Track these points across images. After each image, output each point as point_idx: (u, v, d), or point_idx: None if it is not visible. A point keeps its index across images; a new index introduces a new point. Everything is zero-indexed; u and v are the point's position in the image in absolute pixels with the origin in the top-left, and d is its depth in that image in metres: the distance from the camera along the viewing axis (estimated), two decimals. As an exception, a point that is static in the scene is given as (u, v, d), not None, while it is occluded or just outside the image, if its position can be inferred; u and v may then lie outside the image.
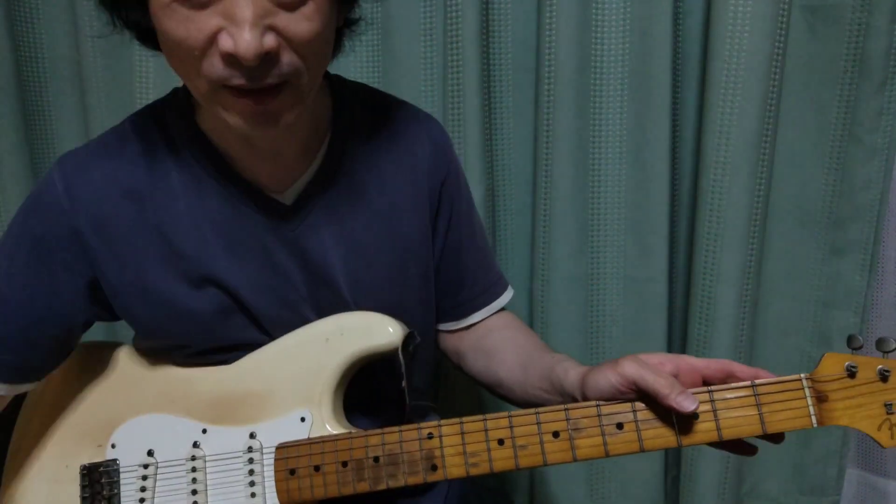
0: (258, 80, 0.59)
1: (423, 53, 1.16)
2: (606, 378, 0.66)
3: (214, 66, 0.59)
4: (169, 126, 0.73)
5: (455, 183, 0.84)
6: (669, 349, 1.25)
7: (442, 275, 0.85)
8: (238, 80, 0.59)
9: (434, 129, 0.83)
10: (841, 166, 1.17)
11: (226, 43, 0.57)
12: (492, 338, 0.86)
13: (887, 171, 1.15)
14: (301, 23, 0.59)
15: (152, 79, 1.18)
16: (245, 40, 0.56)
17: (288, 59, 0.60)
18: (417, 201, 0.80)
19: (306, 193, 0.74)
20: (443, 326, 0.89)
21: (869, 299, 1.20)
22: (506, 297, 0.90)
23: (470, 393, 1.28)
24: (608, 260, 1.22)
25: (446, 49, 1.14)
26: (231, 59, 0.57)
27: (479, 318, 0.88)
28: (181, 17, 0.57)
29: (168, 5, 0.58)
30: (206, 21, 0.57)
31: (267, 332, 0.76)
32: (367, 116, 0.79)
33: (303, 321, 0.75)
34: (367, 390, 0.78)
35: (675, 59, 1.14)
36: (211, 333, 0.75)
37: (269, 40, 0.57)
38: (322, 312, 0.76)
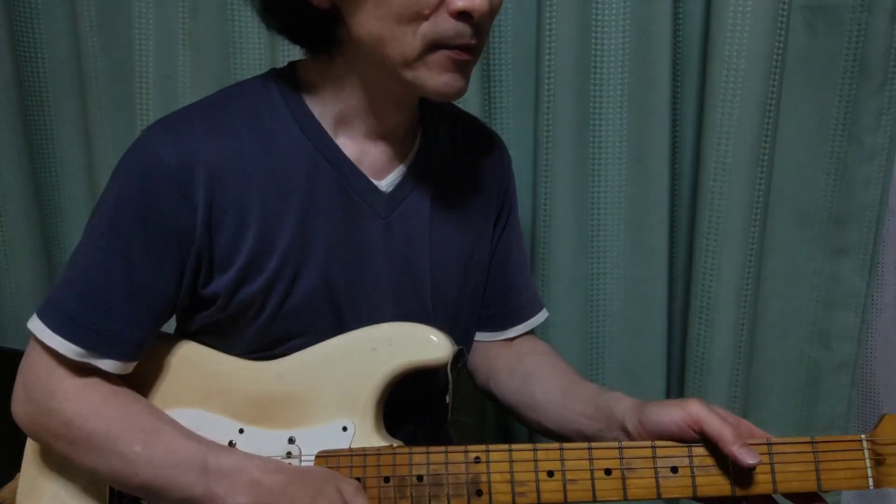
0: (479, 36, 0.65)
1: (423, 53, 1.16)
2: (670, 414, 0.66)
3: (441, 25, 0.63)
4: (277, 103, 0.72)
5: (513, 195, 0.90)
6: (669, 349, 1.24)
7: (491, 281, 0.87)
8: (465, 39, 0.64)
9: (502, 144, 0.90)
10: (841, 166, 1.16)
11: (461, 1, 0.62)
12: (531, 360, 0.87)
13: (887, 171, 1.15)
14: None
15: (152, 79, 1.18)
16: None
17: (489, 20, 0.66)
18: (486, 205, 0.85)
19: (402, 183, 0.76)
20: (480, 336, 0.90)
21: (869, 299, 1.20)
22: (542, 316, 0.92)
23: (474, 403, 1.28)
24: (608, 260, 1.22)
25: (446, 49, 1.14)
26: (463, 16, 0.63)
27: (517, 334, 0.89)
28: None
29: None
30: None
31: (344, 325, 0.75)
32: (450, 121, 0.83)
33: (380, 313, 0.75)
34: (405, 397, 0.77)
35: (675, 60, 1.14)
36: (296, 322, 0.74)
37: None
38: (400, 303, 0.76)
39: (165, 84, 1.17)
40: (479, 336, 0.90)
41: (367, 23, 0.65)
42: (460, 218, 0.81)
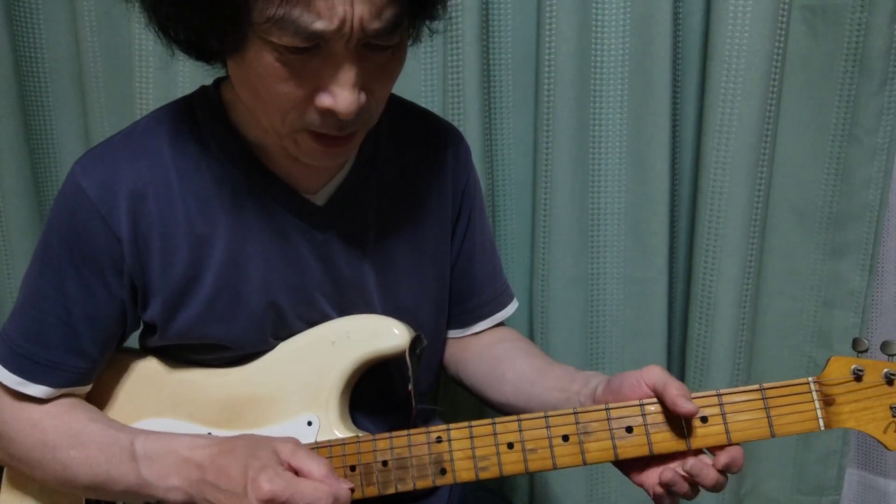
0: (346, 129, 0.63)
1: (423, 53, 1.16)
2: (629, 377, 0.67)
3: (307, 118, 0.62)
4: (200, 125, 0.72)
5: (473, 192, 0.87)
6: (669, 349, 1.25)
7: (453, 281, 0.86)
8: (330, 131, 0.63)
9: (458, 139, 0.86)
10: (841, 166, 1.16)
11: (327, 100, 0.60)
12: (502, 346, 0.87)
13: (887, 171, 1.15)
14: (387, 80, 0.64)
15: (152, 79, 1.18)
16: (347, 101, 0.59)
17: (370, 108, 0.63)
18: (441, 207, 0.82)
19: (338, 195, 0.75)
20: (447, 333, 0.89)
21: (869, 299, 1.20)
22: (511, 308, 0.91)
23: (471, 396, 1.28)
24: (608, 260, 1.22)
25: (446, 49, 1.14)
26: (329, 113, 0.61)
27: (484, 328, 0.89)
28: (283, 75, 0.59)
29: (271, 65, 0.58)
30: (308, 81, 0.60)
31: (290, 334, 0.76)
32: (395, 122, 0.80)
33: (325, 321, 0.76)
34: (373, 393, 0.78)
35: (675, 59, 1.14)
36: (243, 337, 0.75)
37: (363, 98, 0.61)
38: (344, 314, 0.76)
39: (165, 84, 1.17)
40: (447, 333, 0.89)
41: (240, 91, 0.65)
42: (410, 221, 0.80)
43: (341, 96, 0.59)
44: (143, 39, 1.16)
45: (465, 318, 0.88)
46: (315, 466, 0.63)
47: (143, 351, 0.80)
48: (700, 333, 1.17)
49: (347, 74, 0.59)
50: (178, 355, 0.78)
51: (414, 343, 0.72)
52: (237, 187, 0.72)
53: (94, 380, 0.76)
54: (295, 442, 0.66)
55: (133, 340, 0.82)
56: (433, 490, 0.87)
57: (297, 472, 0.63)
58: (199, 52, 0.65)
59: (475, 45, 1.12)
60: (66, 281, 0.71)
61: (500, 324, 0.91)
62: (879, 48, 1.09)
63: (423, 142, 0.82)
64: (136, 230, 0.70)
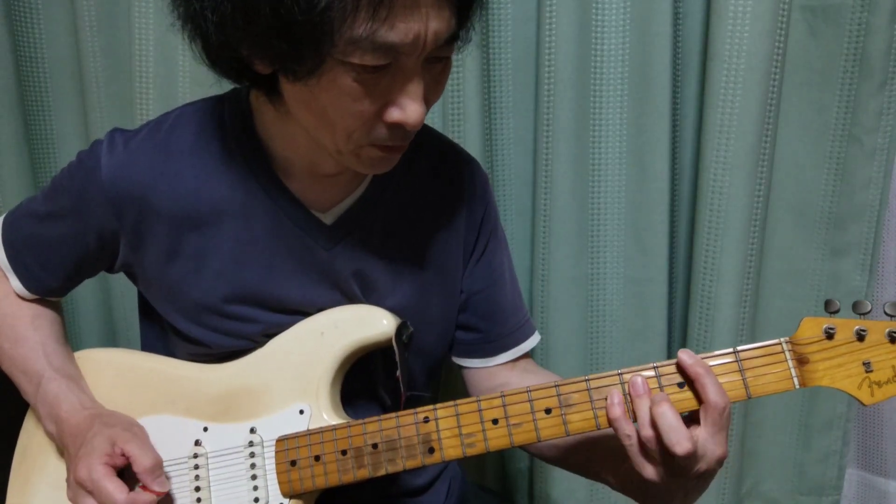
0: (409, 138, 0.66)
1: (423, 53, 1.16)
2: None
3: (374, 133, 0.64)
4: (227, 127, 0.73)
5: (491, 222, 0.87)
6: (669, 349, 1.25)
7: (473, 311, 0.86)
8: (398, 142, 0.65)
9: (476, 169, 0.86)
10: (841, 166, 1.17)
11: (396, 114, 0.62)
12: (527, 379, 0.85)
13: (887, 171, 1.15)
14: (440, 90, 0.67)
15: (152, 79, 1.18)
16: (417, 112, 0.62)
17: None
18: (453, 236, 0.82)
19: (347, 216, 0.76)
20: (469, 363, 0.89)
21: (869, 299, 1.20)
22: (533, 341, 0.90)
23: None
24: (608, 260, 1.22)
25: (446, 49, 1.14)
26: (397, 126, 0.63)
27: (507, 359, 0.87)
28: (358, 94, 0.60)
29: (349, 85, 0.59)
30: (379, 97, 0.61)
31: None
32: (412, 148, 0.79)
33: None
34: (365, 382, 0.79)
35: (675, 59, 1.14)
36: (230, 339, 0.76)
37: (424, 107, 0.64)
38: None
39: (165, 84, 1.17)
40: (469, 363, 0.88)
41: (300, 114, 0.65)
42: (417, 246, 0.80)
43: (411, 108, 0.61)
44: (143, 39, 1.16)
45: (489, 347, 0.87)
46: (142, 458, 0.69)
47: (141, 351, 0.82)
48: (700, 333, 1.17)
49: (416, 87, 0.61)
50: (175, 350, 0.80)
51: (400, 330, 0.74)
52: (249, 195, 0.73)
53: (63, 295, 0.84)
54: (103, 472, 0.68)
55: (135, 336, 0.83)
56: (430, 485, 0.87)
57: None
58: (252, 79, 0.66)
59: (475, 46, 1.12)
60: (58, 222, 0.76)
61: (528, 356, 0.89)
62: (879, 48, 1.09)
63: (440, 170, 0.83)
64: (141, 222, 0.72)
